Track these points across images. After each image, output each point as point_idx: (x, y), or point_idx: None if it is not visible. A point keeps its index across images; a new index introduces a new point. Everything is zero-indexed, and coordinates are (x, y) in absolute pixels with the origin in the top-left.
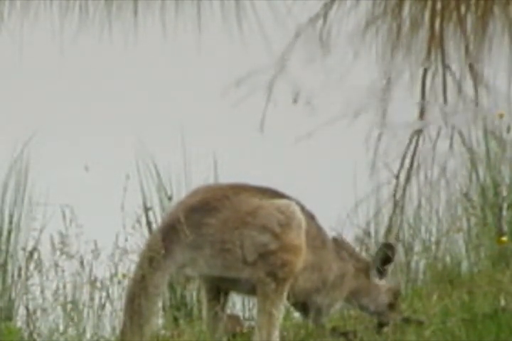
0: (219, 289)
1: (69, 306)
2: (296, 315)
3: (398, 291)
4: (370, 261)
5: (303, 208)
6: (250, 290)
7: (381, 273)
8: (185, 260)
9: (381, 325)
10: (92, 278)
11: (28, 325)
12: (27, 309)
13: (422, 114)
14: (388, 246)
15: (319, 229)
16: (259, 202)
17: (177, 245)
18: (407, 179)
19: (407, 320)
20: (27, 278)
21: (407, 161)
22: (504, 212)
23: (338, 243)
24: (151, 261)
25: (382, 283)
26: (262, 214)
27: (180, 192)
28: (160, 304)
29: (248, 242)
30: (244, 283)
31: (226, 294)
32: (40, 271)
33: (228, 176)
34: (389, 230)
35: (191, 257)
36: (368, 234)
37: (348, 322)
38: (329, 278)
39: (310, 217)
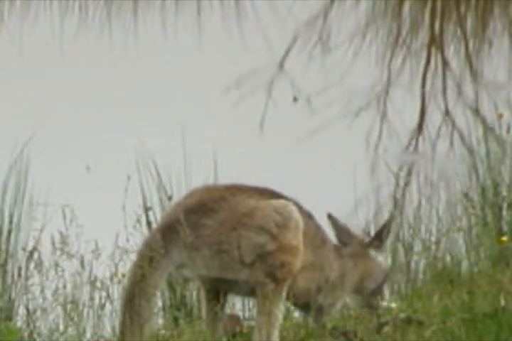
0: (218, 290)
1: (69, 306)
2: (296, 314)
3: (388, 275)
4: (364, 239)
5: (300, 208)
6: (249, 291)
7: (380, 247)
8: (183, 261)
9: (381, 325)
10: (92, 278)
11: (28, 325)
12: (27, 309)
13: (422, 113)
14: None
15: (318, 228)
16: (256, 202)
17: (175, 246)
18: (407, 179)
19: (407, 320)
20: (27, 278)
21: (407, 161)
22: (504, 212)
23: (333, 220)
24: (151, 260)
25: (380, 260)
26: (259, 215)
27: (180, 192)
28: (160, 304)
29: (245, 243)
30: (242, 284)
31: (225, 294)
32: (40, 271)
33: (228, 176)
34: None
35: (189, 258)
36: (368, 234)
37: (348, 322)
38: (330, 277)
39: (308, 216)
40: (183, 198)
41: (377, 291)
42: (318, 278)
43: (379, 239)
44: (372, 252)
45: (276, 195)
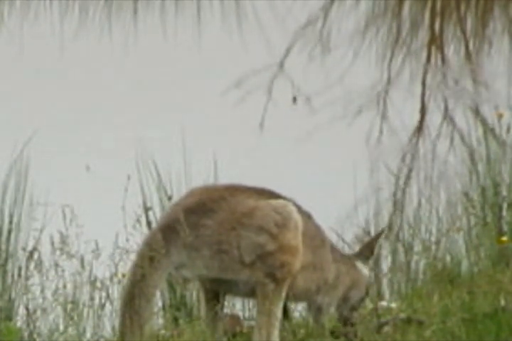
0: (218, 290)
1: (69, 306)
2: (296, 314)
3: (368, 290)
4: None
5: (300, 208)
6: (248, 292)
7: (366, 260)
8: (183, 261)
9: (381, 325)
10: (92, 278)
11: (28, 325)
12: (27, 309)
13: (422, 113)
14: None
15: (317, 228)
16: (255, 202)
17: (174, 246)
18: (407, 179)
19: (407, 320)
20: (27, 278)
21: (407, 161)
22: (504, 212)
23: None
24: (151, 260)
25: (365, 273)
26: (258, 215)
27: (180, 192)
28: (160, 304)
29: (245, 243)
30: (242, 284)
31: (225, 294)
32: (40, 271)
33: (228, 176)
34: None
35: (188, 258)
36: (368, 234)
37: None
38: (330, 277)
39: (307, 216)
40: (181, 198)
41: (357, 305)
42: (317, 278)
43: (365, 252)
44: (359, 264)
45: (275, 195)
